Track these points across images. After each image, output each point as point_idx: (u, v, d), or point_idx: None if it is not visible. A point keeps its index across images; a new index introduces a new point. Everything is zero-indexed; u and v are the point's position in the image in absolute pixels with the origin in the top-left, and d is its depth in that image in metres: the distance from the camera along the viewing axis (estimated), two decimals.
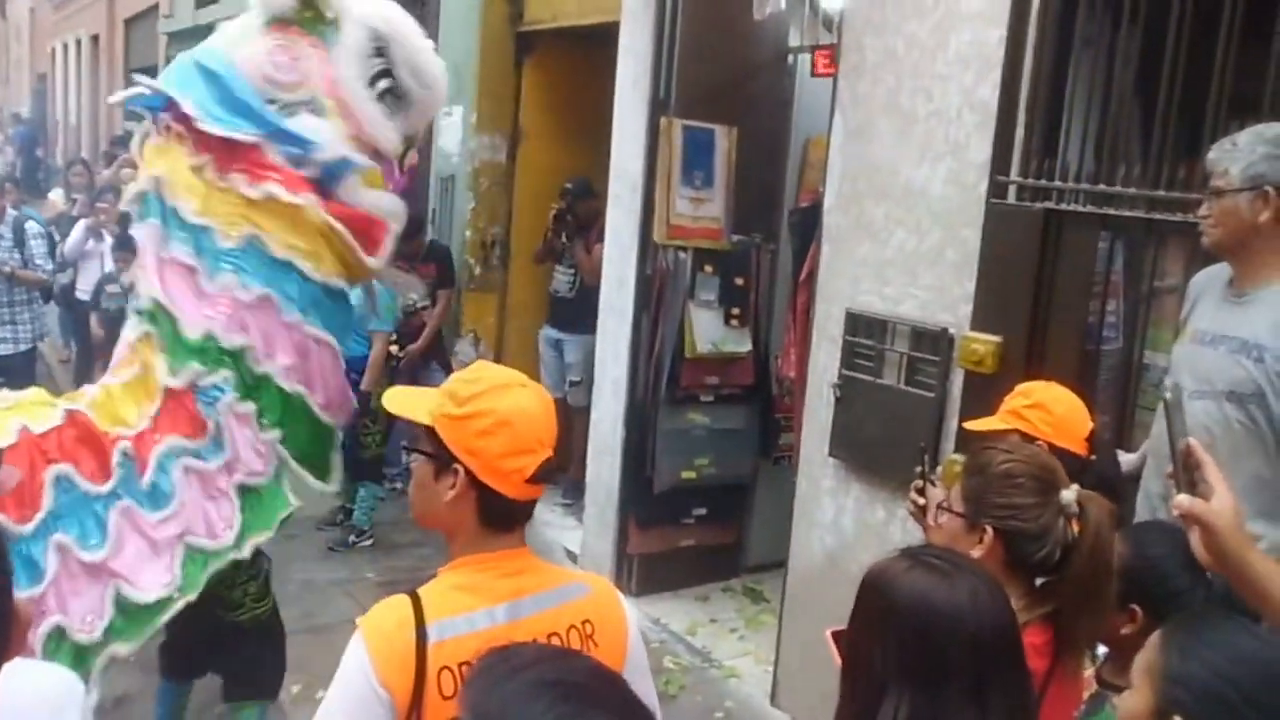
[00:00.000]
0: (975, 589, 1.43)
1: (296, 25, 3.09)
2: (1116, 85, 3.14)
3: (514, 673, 1.02)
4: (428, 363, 6.49)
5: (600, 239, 5.86)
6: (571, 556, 5.59)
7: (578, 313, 6.11)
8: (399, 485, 6.68)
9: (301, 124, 2.99)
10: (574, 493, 5.96)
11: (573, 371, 6.19)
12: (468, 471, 1.60)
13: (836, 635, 1.81)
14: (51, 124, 21.84)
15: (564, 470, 5.90)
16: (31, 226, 6.59)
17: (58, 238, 7.42)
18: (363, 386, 5.83)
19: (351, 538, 5.97)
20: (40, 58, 23.65)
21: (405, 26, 3.19)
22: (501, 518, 1.65)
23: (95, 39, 18.18)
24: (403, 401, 1.72)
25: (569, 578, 1.76)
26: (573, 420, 5.82)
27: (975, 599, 1.42)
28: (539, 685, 1.00)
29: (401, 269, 6.35)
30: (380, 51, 3.13)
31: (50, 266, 6.78)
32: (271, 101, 3.00)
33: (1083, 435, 2.38)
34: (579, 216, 6.17)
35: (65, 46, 20.81)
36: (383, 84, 3.14)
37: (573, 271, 6.23)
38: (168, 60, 13.37)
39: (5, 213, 6.54)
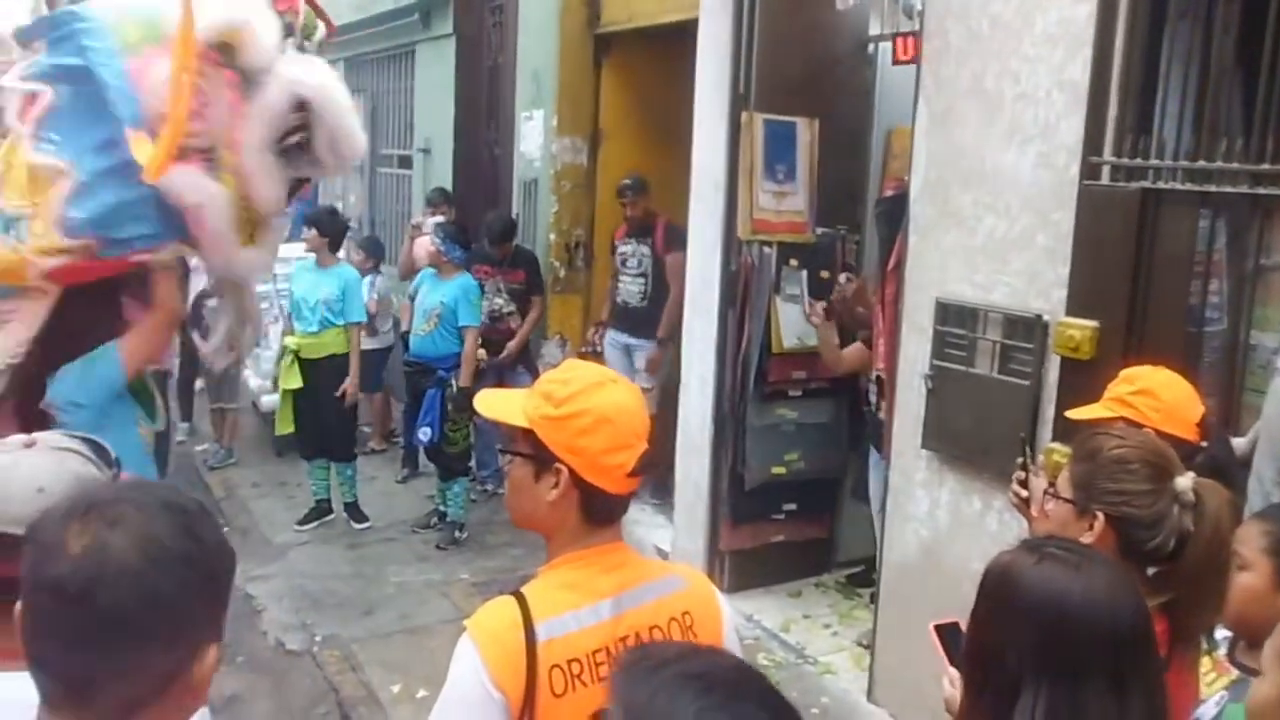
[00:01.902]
0: (1110, 581, 1.41)
1: (218, 51, 2.87)
2: (1215, 56, 3.03)
3: (660, 667, 1.05)
4: (514, 366, 6.55)
5: (669, 246, 5.86)
6: (662, 554, 5.59)
7: (650, 318, 6.11)
8: (489, 487, 6.78)
9: (183, 180, 2.78)
10: (661, 492, 5.97)
11: (643, 378, 6.09)
12: (570, 470, 1.61)
13: (940, 629, 1.79)
14: None
15: (656, 465, 5.92)
16: None
17: None
18: (461, 383, 5.92)
19: (456, 533, 6.09)
20: None
21: (334, 96, 2.97)
22: (603, 513, 1.66)
23: None
24: (495, 405, 1.72)
25: (666, 570, 1.77)
26: None
27: (1111, 591, 1.40)
28: (685, 678, 1.02)
29: (487, 275, 6.41)
30: (301, 107, 2.91)
31: None
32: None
33: (1193, 421, 2.30)
34: (635, 218, 6.20)
35: None
36: (294, 138, 2.94)
37: (642, 279, 6.20)
38: None
39: None
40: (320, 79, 2.97)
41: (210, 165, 2.86)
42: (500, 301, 6.46)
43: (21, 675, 1.25)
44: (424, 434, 5.98)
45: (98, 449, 1.65)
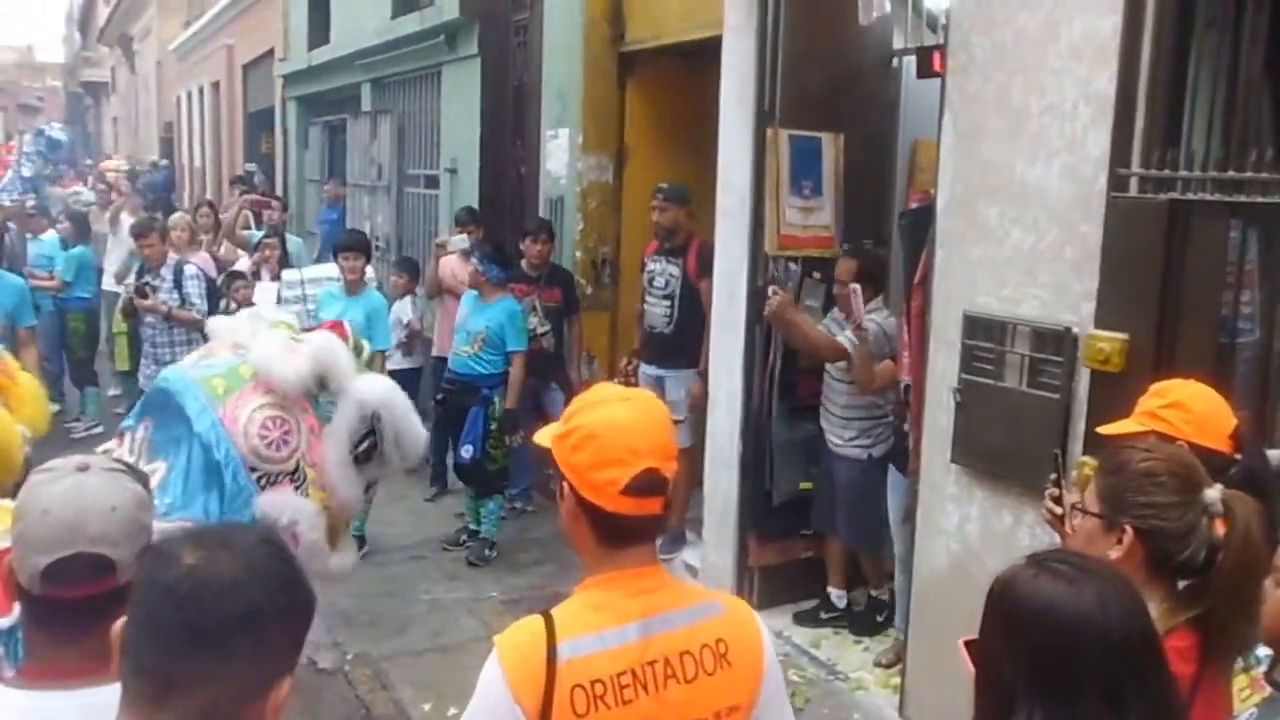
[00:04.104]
0: (1103, 593, 1.38)
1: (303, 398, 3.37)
2: (1243, 66, 3.01)
3: None
4: (547, 384, 6.56)
5: (704, 271, 5.63)
6: (691, 571, 5.59)
7: (677, 347, 5.88)
8: (518, 504, 6.79)
9: (275, 501, 3.24)
10: (669, 546, 5.71)
11: (675, 410, 5.62)
12: (571, 487, 1.64)
13: (969, 644, 1.78)
14: (179, 169, 22.88)
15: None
16: (188, 269, 6.81)
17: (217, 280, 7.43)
18: (506, 405, 5.92)
19: (486, 550, 6.09)
20: (166, 107, 24.79)
21: (396, 401, 3.48)
22: (614, 534, 1.64)
23: (216, 86, 18.96)
24: (541, 432, 1.77)
25: (703, 596, 1.75)
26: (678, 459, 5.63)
27: (1103, 603, 1.37)
28: None
29: (522, 294, 6.38)
30: (371, 418, 3.41)
31: (205, 307, 6.68)
32: (254, 470, 3.25)
33: (1226, 432, 2.27)
34: (664, 227, 5.88)
35: (189, 95, 21.77)
36: (365, 444, 3.44)
37: (668, 303, 5.94)
38: (283, 101, 13.92)
39: (167, 257, 6.83)
40: (383, 390, 3.46)
41: (298, 484, 3.32)
42: (534, 321, 6.38)
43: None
44: (466, 451, 5.97)
45: (131, 469, 1.70)
